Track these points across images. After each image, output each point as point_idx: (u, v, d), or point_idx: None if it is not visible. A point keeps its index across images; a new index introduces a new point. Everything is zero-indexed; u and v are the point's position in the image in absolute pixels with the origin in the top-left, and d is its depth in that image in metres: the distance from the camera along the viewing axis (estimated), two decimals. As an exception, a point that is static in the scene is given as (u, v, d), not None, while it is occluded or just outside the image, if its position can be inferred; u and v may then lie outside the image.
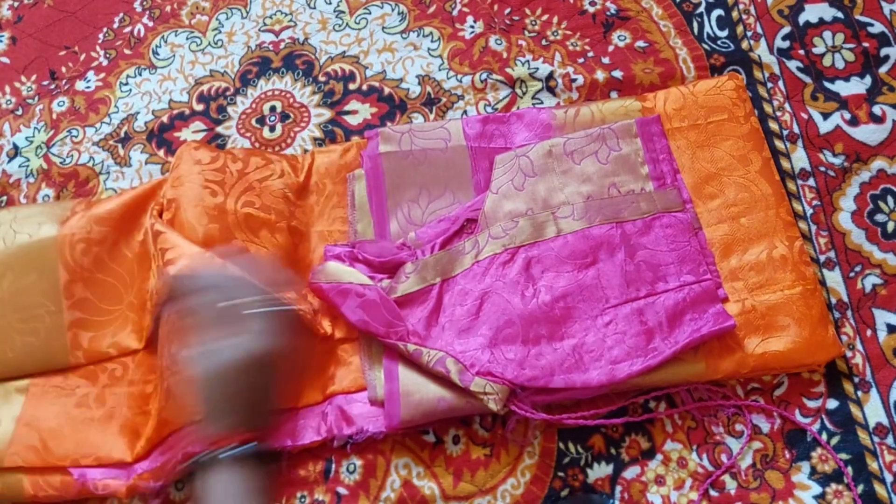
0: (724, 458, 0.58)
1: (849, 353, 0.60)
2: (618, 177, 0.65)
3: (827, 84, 0.70)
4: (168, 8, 0.87)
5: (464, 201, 0.66)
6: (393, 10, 0.81)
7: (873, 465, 0.56)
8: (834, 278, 0.63)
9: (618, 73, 0.73)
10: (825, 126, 0.69)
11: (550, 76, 0.74)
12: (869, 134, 0.67)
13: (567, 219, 0.63)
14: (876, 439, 0.57)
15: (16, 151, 0.82)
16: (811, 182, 0.67)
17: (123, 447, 0.61)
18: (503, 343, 0.59)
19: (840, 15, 0.73)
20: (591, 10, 0.78)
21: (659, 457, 0.59)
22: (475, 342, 0.59)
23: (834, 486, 0.56)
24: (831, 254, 0.64)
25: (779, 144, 0.69)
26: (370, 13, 0.82)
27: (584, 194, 0.64)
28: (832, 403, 0.59)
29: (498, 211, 0.65)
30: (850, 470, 0.56)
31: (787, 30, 0.73)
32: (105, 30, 0.87)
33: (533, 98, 0.74)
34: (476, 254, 0.63)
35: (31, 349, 0.66)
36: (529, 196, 0.65)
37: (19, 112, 0.84)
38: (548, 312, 0.60)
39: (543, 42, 0.77)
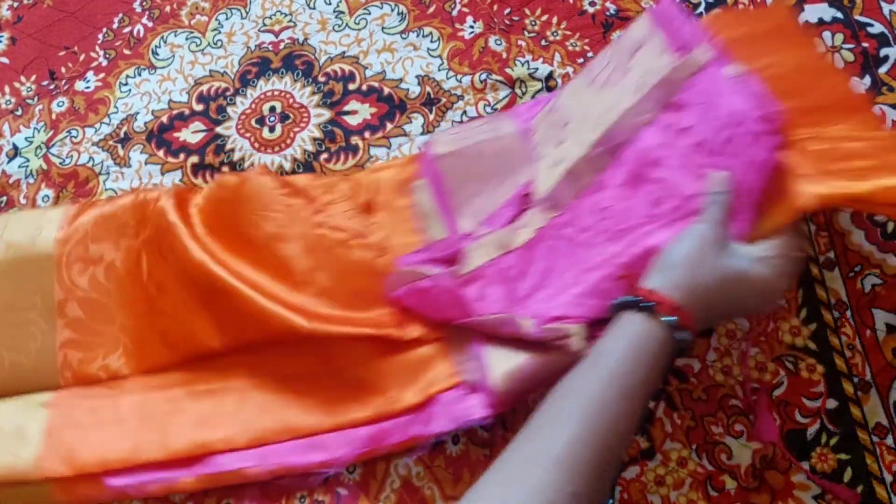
0: (723, 458, 0.58)
1: (848, 353, 0.60)
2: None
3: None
4: (168, 8, 0.87)
5: (527, 178, 0.66)
6: (392, 10, 0.81)
7: (873, 466, 0.56)
8: (833, 278, 0.63)
9: (617, 74, 0.73)
10: (825, 126, 0.69)
11: (550, 76, 0.74)
12: (868, 134, 0.67)
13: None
14: (875, 439, 0.57)
15: (15, 152, 0.82)
16: (811, 182, 0.67)
17: (156, 447, 0.61)
18: (571, 287, 0.58)
19: (839, 15, 0.73)
20: (591, 10, 0.78)
21: (658, 457, 0.59)
22: (544, 298, 0.59)
23: (833, 486, 0.56)
24: (831, 254, 0.64)
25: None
26: (370, 13, 0.82)
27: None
28: (832, 403, 0.59)
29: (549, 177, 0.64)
30: (848, 470, 0.57)
31: (786, 30, 0.73)
32: (104, 30, 0.87)
33: (533, 98, 0.74)
34: (533, 225, 0.63)
35: (20, 369, 0.65)
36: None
37: (19, 112, 0.85)
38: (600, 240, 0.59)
39: (543, 42, 0.77)
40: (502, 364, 0.58)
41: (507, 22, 0.79)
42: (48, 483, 0.61)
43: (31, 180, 0.80)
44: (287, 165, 0.75)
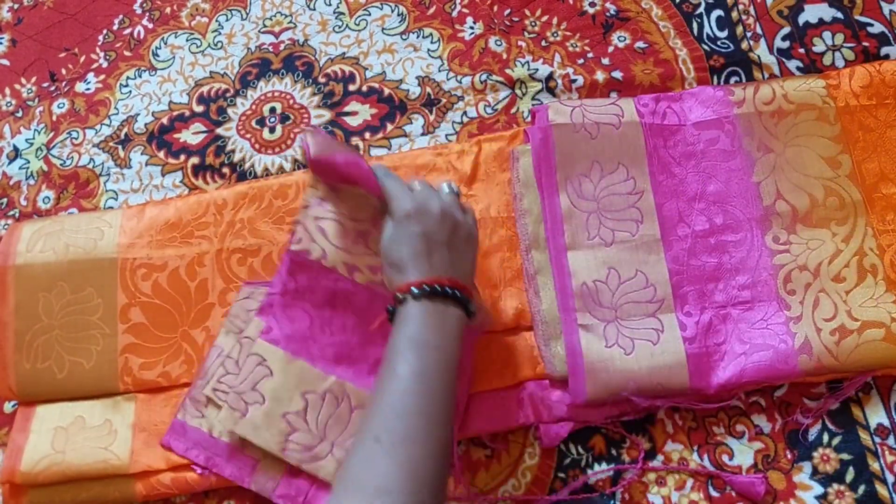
0: (725, 458, 0.58)
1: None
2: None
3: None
4: (168, 10, 0.87)
5: (637, 178, 0.64)
6: (393, 11, 0.81)
7: (874, 466, 0.56)
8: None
9: (617, 74, 0.73)
10: (825, 126, 0.69)
11: (550, 77, 0.74)
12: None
13: None
14: (877, 440, 0.57)
15: (16, 153, 0.82)
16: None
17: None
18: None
19: (840, 15, 0.73)
20: (591, 11, 0.78)
21: (660, 457, 0.59)
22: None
23: (836, 486, 0.56)
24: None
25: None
26: (370, 14, 0.82)
27: None
28: (833, 404, 0.59)
29: None
30: (850, 470, 0.56)
31: (786, 30, 0.73)
32: (105, 31, 0.87)
33: (533, 99, 0.74)
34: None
35: (80, 372, 0.66)
36: None
37: (19, 114, 0.84)
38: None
39: (543, 43, 0.77)
40: (600, 370, 0.58)
41: (508, 23, 0.79)
42: (133, 476, 0.62)
43: (31, 182, 0.80)
44: (287, 166, 0.75)
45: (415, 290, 0.50)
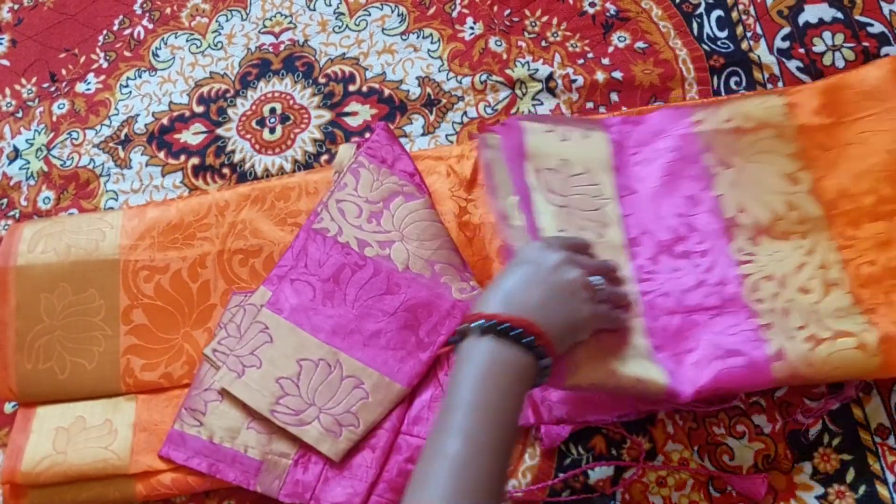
0: (725, 458, 0.58)
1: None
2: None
3: (827, 84, 0.70)
4: (168, 10, 0.87)
5: (604, 186, 0.64)
6: (393, 11, 0.81)
7: (875, 466, 0.56)
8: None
9: (618, 74, 0.73)
10: (825, 126, 0.69)
11: (550, 77, 0.74)
12: (869, 134, 0.67)
13: None
14: (877, 440, 0.57)
15: (16, 154, 0.82)
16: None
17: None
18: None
19: (840, 15, 0.73)
20: (591, 11, 0.78)
21: (660, 458, 0.59)
22: None
23: (836, 486, 0.56)
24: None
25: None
26: (370, 15, 0.82)
27: None
28: (834, 404, 0.59)
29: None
30: (850, 470, 0.56)
31: (786, 30, 0.73)
32: (105, 32, 0.87)
33: (533, 99, 0.74)
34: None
35: (82, 372, 0.66)
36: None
37: (19, 114, 0.85)
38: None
39: (543, 43, 0.77)
40: (582, 364, 0.55)
41: (508, 23, 0.79)
42: (133, 477, 0.62)
43: (31, 182, 0.80)
44: (287, 167, 0.75)
45: (481, 323, 0.45)
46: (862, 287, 0.58)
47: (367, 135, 0.75)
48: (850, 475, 0.56)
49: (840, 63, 0.71)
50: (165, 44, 0.85)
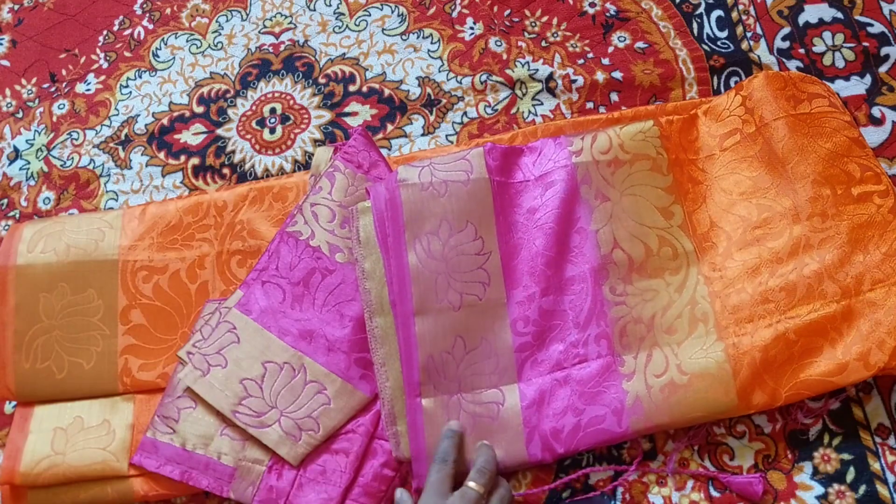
0: (726, 458, 0.58)
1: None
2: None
3: (827, 84, 0.70)
4: (168, 10, 0.87)
5: (485, 237, 0.63)
6: (393, 11, 0.81)
7: (875, 466, 0.56)
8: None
9: (618, 75, 0.73)
10: (825, 126, 0.69)
11: (550, 77, 0.74)
12: (868, 136, 0.67)
13: None
14: (878, 440, 0.57)
15: (16, 154, 0.82)
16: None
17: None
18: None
19: (840, 15, 0.73)
20: (591, 11, 0.78)
21: (660, 458, 0.59)
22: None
23: (836, 486, 0.56)
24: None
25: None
26: (370, 15, 0.82)
27: None
28: (834, 404, 0.59)
29: None
30: (851, 470, 0.56)
31: (786, 30, 0.73)
32: (105, 32, 0.87)
33: (533, 99, 0.74)
34: None
35: (79, 372, 0.66)
36: None
37: (20, 115, 0.85)
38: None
39: (543, 43, 0.77)
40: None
41: (508, 23, 0.79)
42: (132, 478, 0.62)
43: (31, 182, 0.80)
44: (287, 167, 0.75)
45: None
46: (728, 318, 0.59)
47: (367, 135, 0.75)
48: (851, 475, 0.56)
49: (840, 63, 0.71)
50: (165, 44, 0.85)
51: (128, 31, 0.87)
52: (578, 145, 0.66)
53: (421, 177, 0.64)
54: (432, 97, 0.76)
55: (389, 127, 0.75)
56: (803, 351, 0.57)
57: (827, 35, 0.72)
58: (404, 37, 0.80)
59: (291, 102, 0.78)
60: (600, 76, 0.73)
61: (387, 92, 0.77)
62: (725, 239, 0.63)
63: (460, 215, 0.63)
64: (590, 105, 0.73)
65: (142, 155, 0.78)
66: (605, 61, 0.75)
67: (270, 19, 0.84)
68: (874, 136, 0.67)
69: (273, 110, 0.78)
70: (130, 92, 0.83)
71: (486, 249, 0.63)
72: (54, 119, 0.83)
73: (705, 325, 0.59)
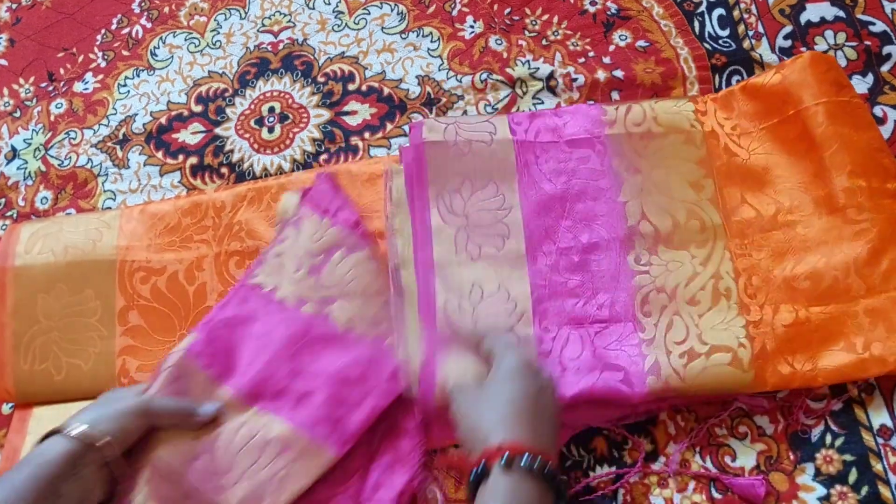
0: (727, 459, 0.58)
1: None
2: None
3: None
4: (166, 9, 0.87)
5: (507, 194, 0.64)
6: (392, 10, 0.81)
7: (877, 467, 0.56)
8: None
9: (619, 73, 0.73)
10: (827, 125, 0.68)
11: (551, 76, 0.74)
12: (871, 133, 0.67)
13: None
14: (880, 441, 0.57)
15: (14, 153, 0.82)
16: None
17: None
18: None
19: (842, 14, 0.73)
20: (592, 9, 0.78)
21: (662, 459, 0.59)
22: None
23: (838, 487, 0.56)
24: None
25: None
26: (369, 13, 0.81)
27: None
28: (836, 405, 0.58)
29: None
30: (853, 471, 0.56)
31: (788, 29, 0.73)
32: (103, 31, 0.87)
33: (533, 98, 0.74)
34: None
35: (77, 373, 0.65)
36: None
37: (17, 114, 0.84)
38: None
39: (544, 42, 0.76)
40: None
41: (508, 22, 0.78)
42: None
43: (29, 182, 0.79)
44: (286, 166, 0.75)
45: (506, 459, 0.45)
46: (750, 298, 0.59)
47: (367, 134, 0.75)
48: (853, 476, 0.56)
49: (842, 62, 0.70)
50: (164, 43, 0.85)
51: (126, 30, 0.87)
52: (612, 115, 0.66)
53: (446, 134, 0.65)
54: (432, 96, 0.75)
55: (389, 126, 0.75)
56: (823, 339, 0.57)
57: (829, 34, 0.72)
58: (404, 35, 0.79)
59: (290, 101, 0.78)
60: (601, 75, 0.73)
61: (386, 91, 0.76)
62: (756, 217, 0.63)
63: (483, 173, 0.64)
64: (590, 104, 0.73)
65: (140, 154, 0.78)
66: (606, 60, 0.74)
67: (269, 18, 0.84)
68: (876, 135, 0.67)
69: (272, 109, 0.78)
70: (128, 91, 0.82)
71: (508, 204, 0.64)
72: (52, 118, 0.82)
73: (728, 300, 0.60)
